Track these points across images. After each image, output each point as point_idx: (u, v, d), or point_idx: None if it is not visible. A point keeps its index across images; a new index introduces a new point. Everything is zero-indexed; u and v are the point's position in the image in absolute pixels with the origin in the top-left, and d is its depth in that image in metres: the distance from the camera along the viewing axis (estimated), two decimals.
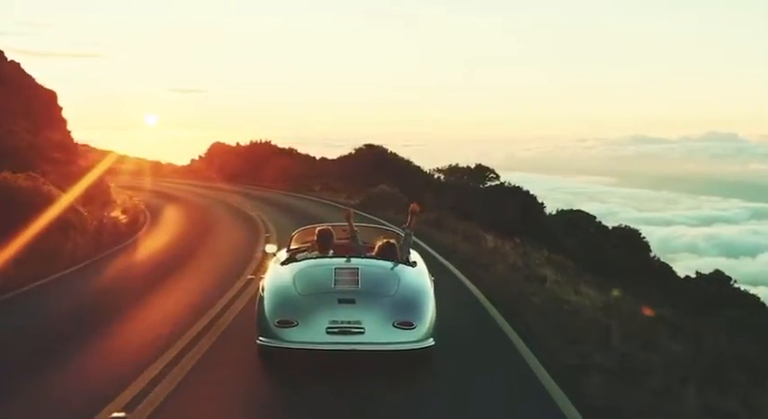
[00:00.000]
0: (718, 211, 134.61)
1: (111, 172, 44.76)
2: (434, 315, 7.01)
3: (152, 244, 18.04)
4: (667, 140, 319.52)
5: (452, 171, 39.70)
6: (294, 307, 6.87)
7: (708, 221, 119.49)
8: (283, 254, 8.67)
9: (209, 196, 34.15)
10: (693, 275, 39.79)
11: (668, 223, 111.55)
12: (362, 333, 6.64)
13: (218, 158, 47.68)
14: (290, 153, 46.65)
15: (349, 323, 6.65)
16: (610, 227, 44.05)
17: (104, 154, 64.02)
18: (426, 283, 7.54)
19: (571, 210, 46.05)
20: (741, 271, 65.50)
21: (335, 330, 6.63)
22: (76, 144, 37.17)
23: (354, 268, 7.32)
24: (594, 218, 45.48)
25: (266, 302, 7.06)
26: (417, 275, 7.70)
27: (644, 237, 44.14)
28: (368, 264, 7.55)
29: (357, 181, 34.74)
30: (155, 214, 25.11)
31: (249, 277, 12.29)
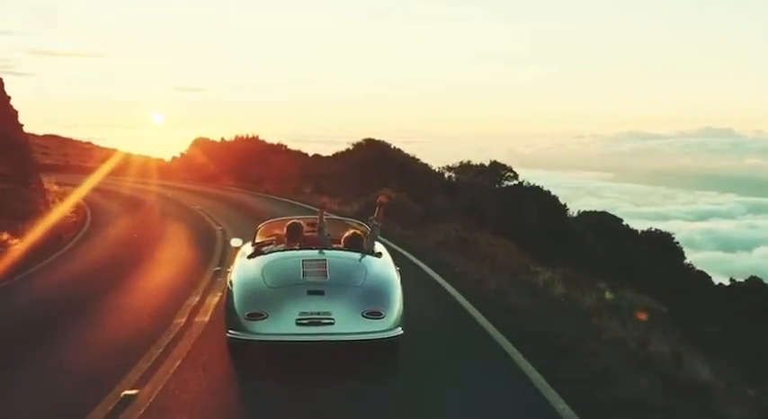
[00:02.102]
0: (715, 206, 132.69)
1: (114, 171, 39.61)
2: (402, 304, 6.73)
3: (39, 287, 11.47)
4: (664, 136, 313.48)
5: (464, 169, 33.02)
6: (263, 299, 6.53)
7: (704, 216, 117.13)
8: (249, 248, 8.09)
9: (177, 200, 27.48)
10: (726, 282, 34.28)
11: (665, 218, 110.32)
12: (332, 323, 6.35)
13: (202, 156, 40.71)
14: (279, 149, 39.72)
15: (318, 314, 6.36)
16: (639, 232, 37.60)
17: (106, 151, 59.80)
18: (393, 273, 7.28)
19: (595, 212, 39.64)
20: (738, 265, 65.68)
21: (305, 321, 6.33)
22: (26, 139, 31.19)
23: (322, 259, 7.00)
24: (621, 220, 39.07)
25: (235, 295, 6.69)
26: (384, 265, 7.41)
27: (677, 242, 37.75)
28: (335, 256, 7.24)
29: (355, 182, 27.95)
30: (95, 229, 18.63)
31: (127, 394, 5.88)
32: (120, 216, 22.01)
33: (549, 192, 35.05)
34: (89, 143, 69.55)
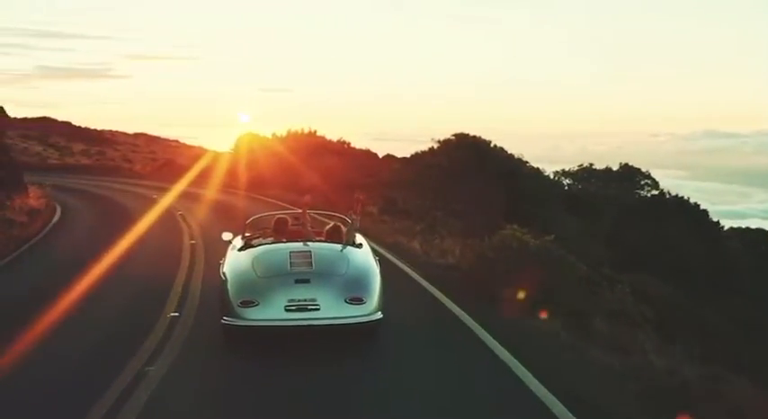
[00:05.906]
0: None
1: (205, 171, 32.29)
2: (381, 290, 6.88)
3: None
4: (739, 134, 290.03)
5: (586, 175, 22.70)
6: (254, 288, 6.70)
7: None
8: (239, 241, 8.10)
9: (178, 225, 18.06)
10: None
11: (742, 216, 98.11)
12: (318, 309, 6.52)
13: (247, 155, 31.28)
14: (341, 148, 29.79)
15: (305, 300, 6.54)
16: None
17: (191, 149, 53.51)
18: (373, 263, 7.41)
19: (748, 229, 28.89)
20: None
21: (293, 307, 6.52)
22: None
23: (308, 251, 7.12)
24: None
25: (229, 285, 6.86)
26: (364, 255, 7.55)
27: None
28: (320, 247, 7.36)
29: (441, 198, 17.96)
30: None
31: None
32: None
33: (697, 206, 24.45)
34: (176, 141, 69.34)
